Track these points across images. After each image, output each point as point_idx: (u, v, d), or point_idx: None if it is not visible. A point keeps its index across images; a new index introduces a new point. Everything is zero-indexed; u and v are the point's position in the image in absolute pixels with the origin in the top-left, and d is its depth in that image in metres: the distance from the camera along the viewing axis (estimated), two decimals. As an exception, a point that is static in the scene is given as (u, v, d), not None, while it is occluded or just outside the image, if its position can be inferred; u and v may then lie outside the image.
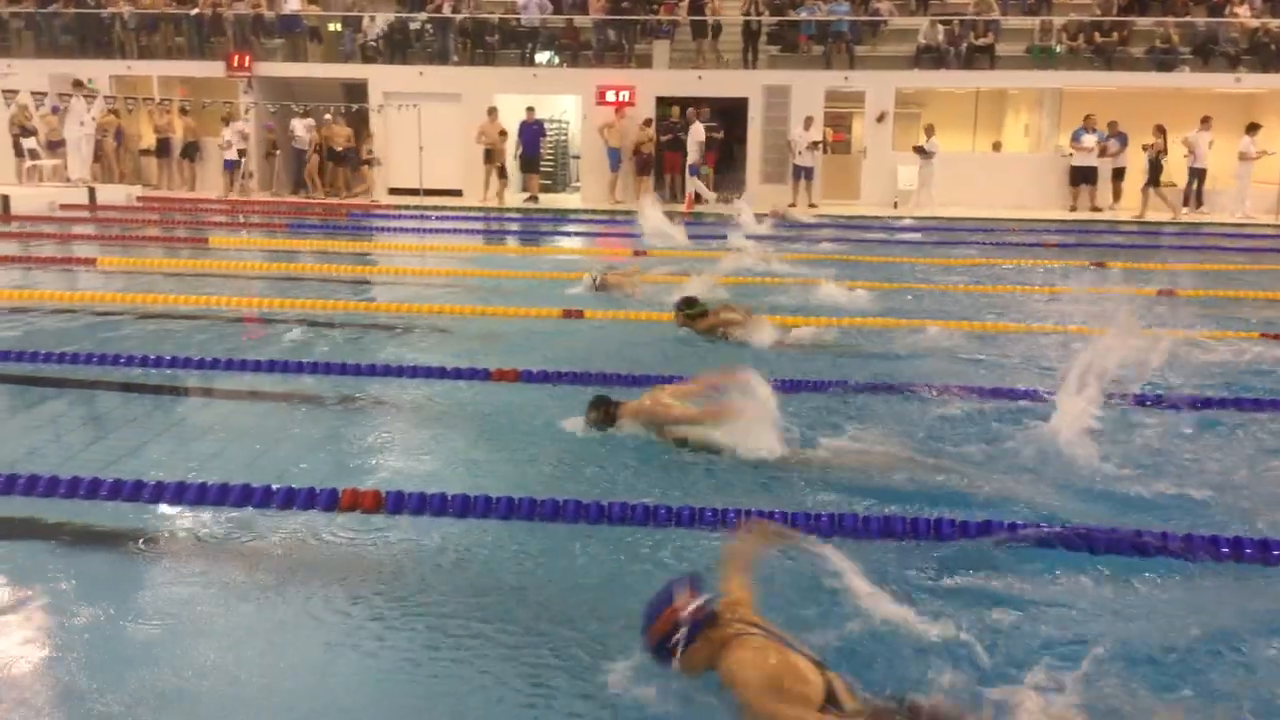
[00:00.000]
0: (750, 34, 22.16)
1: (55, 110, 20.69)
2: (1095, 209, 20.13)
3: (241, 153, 21.77)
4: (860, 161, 21.95)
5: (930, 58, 21.63)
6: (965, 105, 23.69)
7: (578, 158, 24.58)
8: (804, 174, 21.04)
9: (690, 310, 8.31)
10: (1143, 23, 21.96)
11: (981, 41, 21.55)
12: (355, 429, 6.01)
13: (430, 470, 5.25)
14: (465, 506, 4.58)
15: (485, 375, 6.96)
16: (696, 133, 20.91)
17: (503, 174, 21.47)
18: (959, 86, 22.69)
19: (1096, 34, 21.56)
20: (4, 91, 19.95)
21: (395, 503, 4.60)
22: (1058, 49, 21.68)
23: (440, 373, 7.01)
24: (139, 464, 5.18)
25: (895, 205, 20.86)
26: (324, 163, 22.17)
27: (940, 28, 21.82)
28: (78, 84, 20.47)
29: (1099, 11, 22.12)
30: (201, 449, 5.53)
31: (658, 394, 5.65)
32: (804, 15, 22.34)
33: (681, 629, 3.05)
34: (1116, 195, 20.47)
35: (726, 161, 22.28)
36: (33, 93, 20.50)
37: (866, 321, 9.07)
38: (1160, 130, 19.52)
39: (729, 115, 21.90)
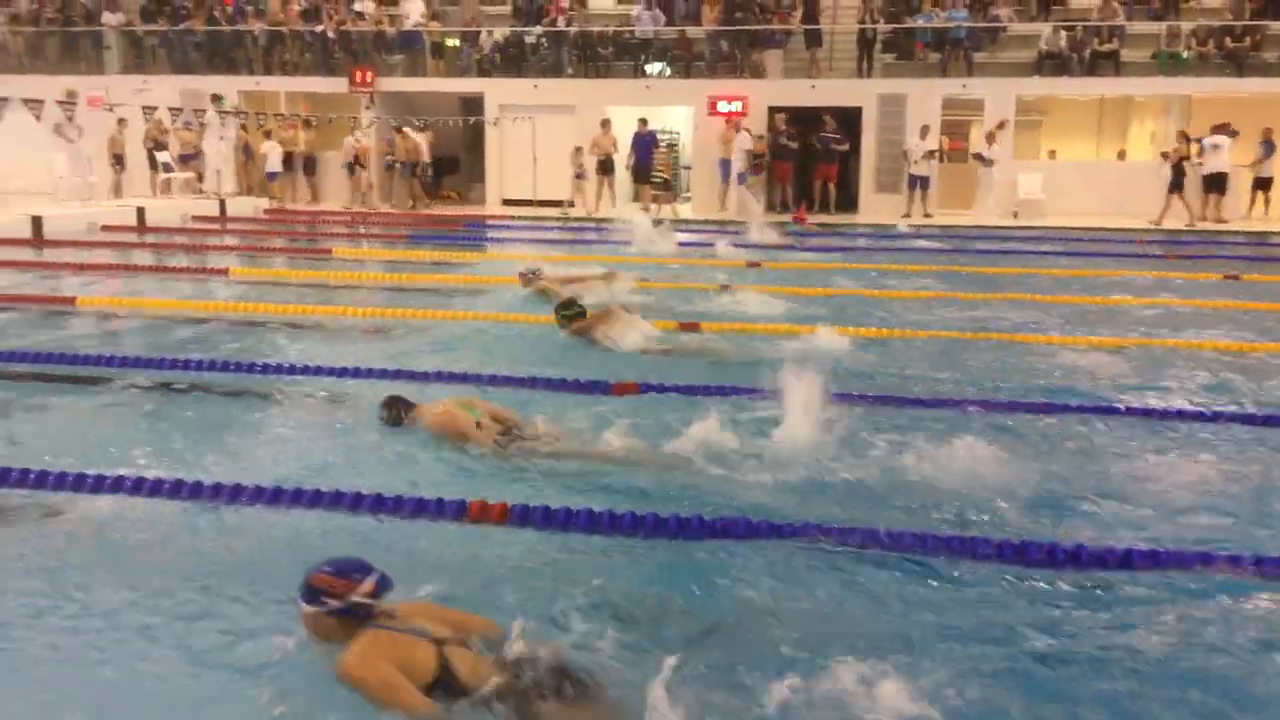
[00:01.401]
0: (865, 42, 21.89)
1: (188, 125, 21.52)
2: (1221, 220, 19.30)
3: (361, 165, 22.33)
4: (978, 170, 21.48)
5: (1052, 64, 21.08)
6: (1089, 113, 23.04)
7: (688, 168, 24.58)
8: (919, 183, 20.70)
9: (566, 313, 8.44)
10: (1276, 27, 21.07)
11: (1106, 48, 20.91)
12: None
13: (557, 483, 5.27)
14: (591, 522, 4.59)
15: (606, 389, 6.98)
16: (743, 141, 20.89)
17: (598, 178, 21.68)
18: (1082, 94, 22.05)
19: (1227, 39, 20.75)
20: (143, 108, 20.80)
21: (521, 516, 4.63)
22: (1186, 55, 20.92)
23: (561, 385, 7.04)
24: (265, 469, 5.31)
25: (1015, 215, 20.37)
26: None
27: (1063, 33, 21.25)
28: (215, 99, 21.24)
29: (1229, 16, 21.30)
30: (321, 456, 5.63)
31: (450, 406, 5.75)
32: (921, 22, 22.00)
33: (336, 601, 3.24)
34: (1252, 204, 19.66)
35: (841, 171, 22.02)
36: (170, 109, 21.35)
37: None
38: (1184, 137, 19.25)
39: (842, 124, 21.65)
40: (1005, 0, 22.52)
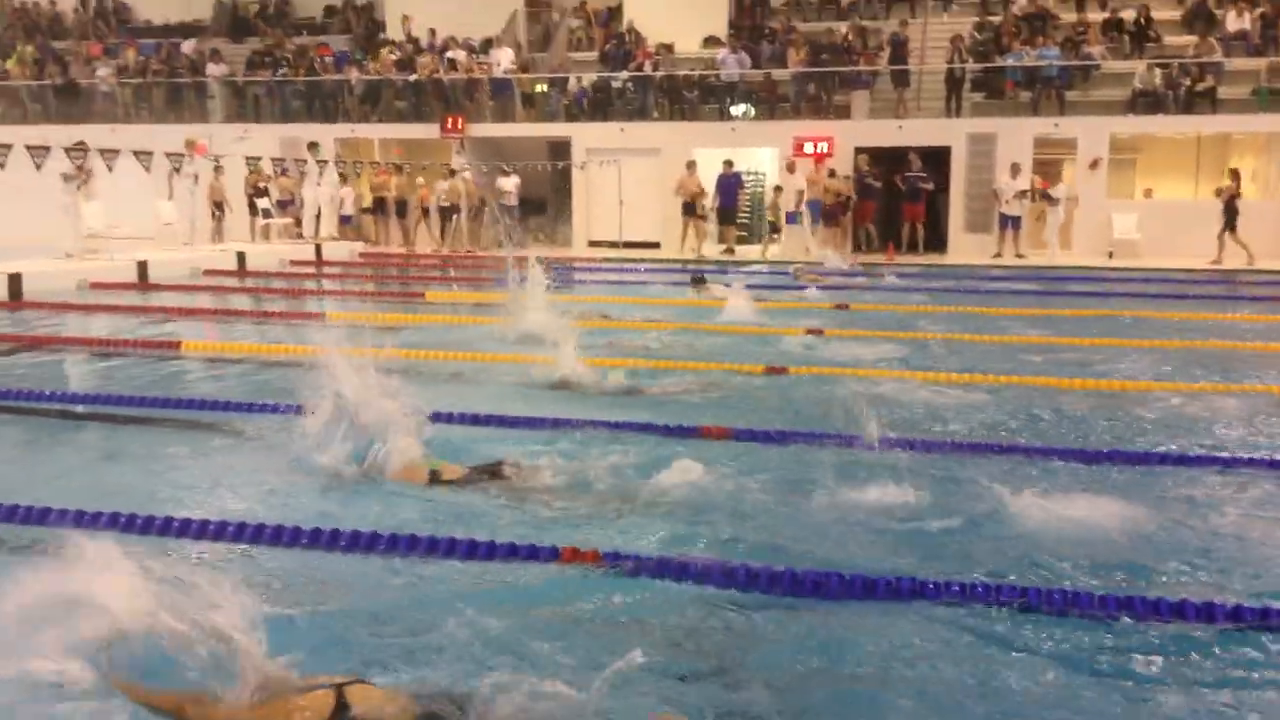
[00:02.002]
0: (954, 81, 21.74)
1: (286, 172, 22.20)
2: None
3: (453, 209, 22.78)
4: (1071, 210, 21.11)
5: (1147, 102, 20.67)
6: (1185, 151, 22.48)
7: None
8: (1010, 223, 20.41)
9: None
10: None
11: (1202, 86, 20.43)
12: (561, 486, 6.01)
13: (642, 529, 5.26)
14: (683, 571, 4.57)
15: (696, 433, 6.97)
16: (798, 182, 21.10)
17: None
18: (1178, 132, 21.55)
19: (1331, 73, 20.18)
20: (247, 158, 21.55)
21: (613, 562, 4.64)
22: (1287, 91, 20.39)
23: (649, 428, 7.05)
24: (365, 514, 5.38)
25: (1110, 255, 19.96)
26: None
27: (1158, 71, 20.84)
28: (312, 146, 21.89)
29: (1333, 50, 20.73)
30: (413, 500, 5.69)
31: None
32: (1011, 61, 21.76)
33: None
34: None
35: (929, 211, 21.82)
36: (273, 159, 22.09)
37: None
38: (1235, 174, 18.82)
39: (930, 164, 21.48)
40: (1097, 38, 22.20)
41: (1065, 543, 5.00)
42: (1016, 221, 20.40)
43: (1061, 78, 21.45)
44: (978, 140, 21.23)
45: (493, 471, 5.91)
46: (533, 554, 4.71)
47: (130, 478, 6.11)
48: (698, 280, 14.34)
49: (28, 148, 13.39)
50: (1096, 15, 23.25)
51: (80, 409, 7.67)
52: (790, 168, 21.65)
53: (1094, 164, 20.69)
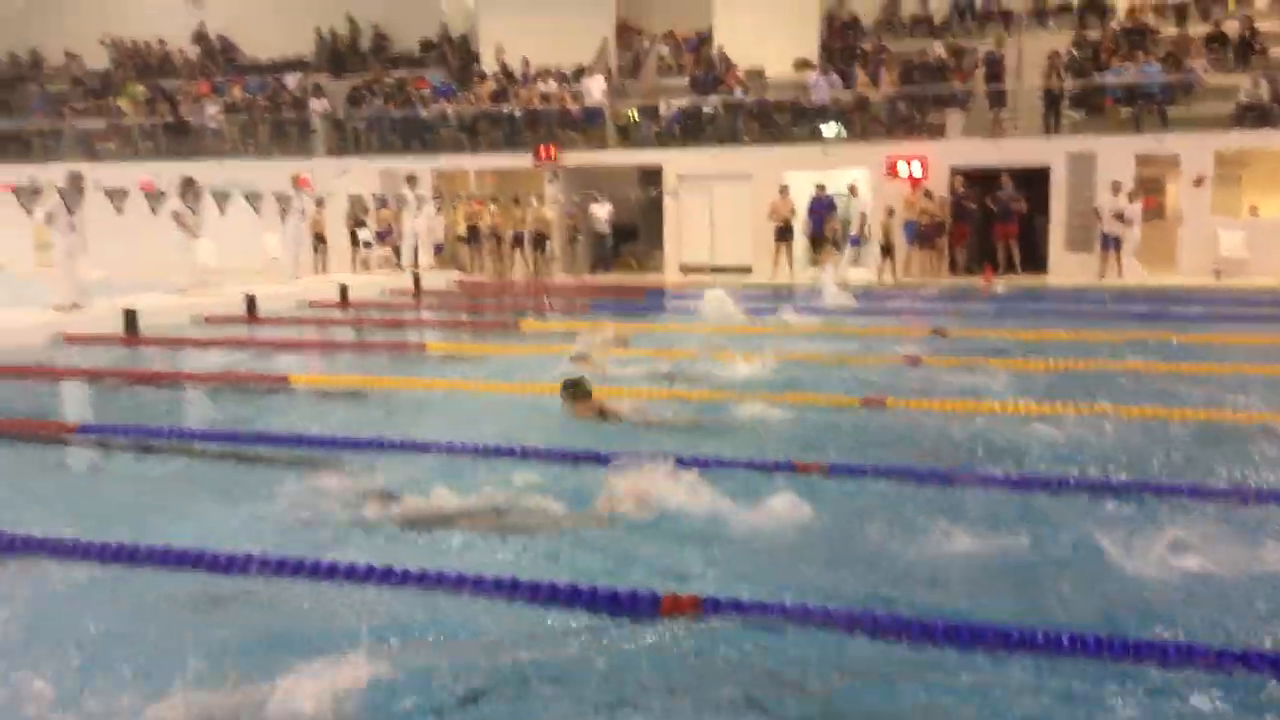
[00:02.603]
0: (1052, 99, 21.37)
1: (385, 204, 22.76)
2: None
3: (544, 237, 23.12)
4: (1176, 228, 20.56)
5: (1253, 116, 20.07)
6: (1296, 166, 21.77)
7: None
8: (1113, 243, 19.96)
9: (572, 390, 8.24)
10: None
11: (1313, 97, 19.79)
12: (651, 525, 6.06)
13: (743, 574, 5.26)
14: (784, 614, 4.58)
15: (790, 468, 6.96)
16: (859, 204, 21.46)
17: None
18: (1286, 146, 20.86)
19: None
20: (350, 196, 22.20)
21: (713, 609, 4.66)
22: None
23: (746, 465, 7.05)
24: (450, 554, 5.49)
25: (1217, 274, 19.38)
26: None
27: (1264, 84, 20.21)
28: (410, 179, 22.42)
29: None
30: (511, 542, 5.78)
31: None
32: (1111, 78, 21.30)
33: None
34: None
35: (1026, 232, 21.46)
36: (373, 195, 22.70)
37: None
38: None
39: (1028, 183, 21.13)
40: (1200, 52, 21.63)
41: (1180, 589, 4.89)
42: (1119, 241, 19.93)
43: (1163, 93, 20.94)
44: (1078, 159, 20.82)
45: None
46: (632, 601, 4.76)
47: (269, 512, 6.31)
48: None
49: (145, 195, 13.92)
50: (1199, 29, 22.68)
51: (197, 445, 7.94)
52: (853, 191, 21.67)
53: (1198, 181, 20.13)
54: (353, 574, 5.09)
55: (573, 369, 9.98)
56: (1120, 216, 19.70)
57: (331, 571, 5.12)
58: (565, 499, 6.22)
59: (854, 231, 21.79)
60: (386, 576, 5.08)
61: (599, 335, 11.25)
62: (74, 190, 13.95)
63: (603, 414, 8.30)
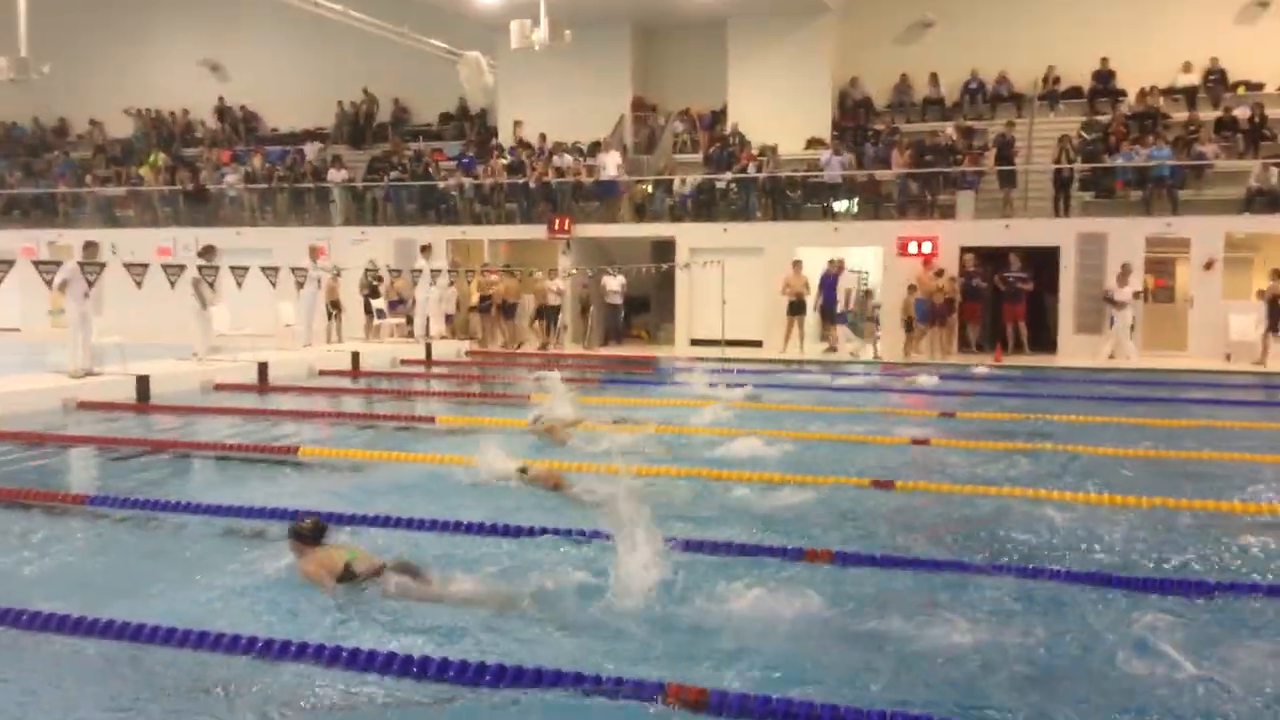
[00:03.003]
0: (1062, 181, 21.57)
1: (399, 273, 22.96)
2: None
3: (556, 308, 23.30)
4: (1186, 311, 20.59)
5: (1263, 201, 20.21)
6: (1308, 249, 21.84)
7: (878, 308, 24.50)
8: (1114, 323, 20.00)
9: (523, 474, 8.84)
10: None
11: (1322, 183, 19.91)
12: (657, 610, 5.97)
13: (747, 666, 5.19)
14: (788, 712, 4.52)
15: (799, 554, 6.89)
16: (846, 280, 21.68)
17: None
18: (1298, 231, 20.96)
19: None
20: (367, 269, 22.43)
21: (719, 702, 4.60)
22: None
23: (755, 550, 6.99)
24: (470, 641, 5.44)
25: (1228, 358, 19.37)
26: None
27: (1274, 170, 20.38)
28: (425, 249, 22.63)
29: None
30: (518, 625, 5.73)
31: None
32: (1120, 161, 21.50)
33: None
34: None
35: (1036, 312, 21.51)
36: (387, 265, 22.93)
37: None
38: (1277, 274, 18.51)
39: (1038, 263, 21.23)
40: (1210, 137, 21.84)
41: (1192, 691, 4.81)
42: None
43: (1174, 177, 21.11)
44: (1088, 240, 20.94)
45: None
46: (637, 690, 4.71)
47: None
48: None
49: (164, 268, 14.09)
50: (1209, 114, 22.93)
51: (198, 519, 7.91)
52: (839, 267, 22.10)
53: (1209, 264, 20.20)
54: (348, 659, 5.06)
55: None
56: (1110, 299, 19.92)
57: (320, 654, 5.06)
58: (565, 578, 6.18)
59: (840, 308, 22.02)
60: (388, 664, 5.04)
61: (559, 408, 11.57)
62: (90, 260, 14.11)
63: (557, 487, 8.66)
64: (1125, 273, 19.85)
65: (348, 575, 5.96)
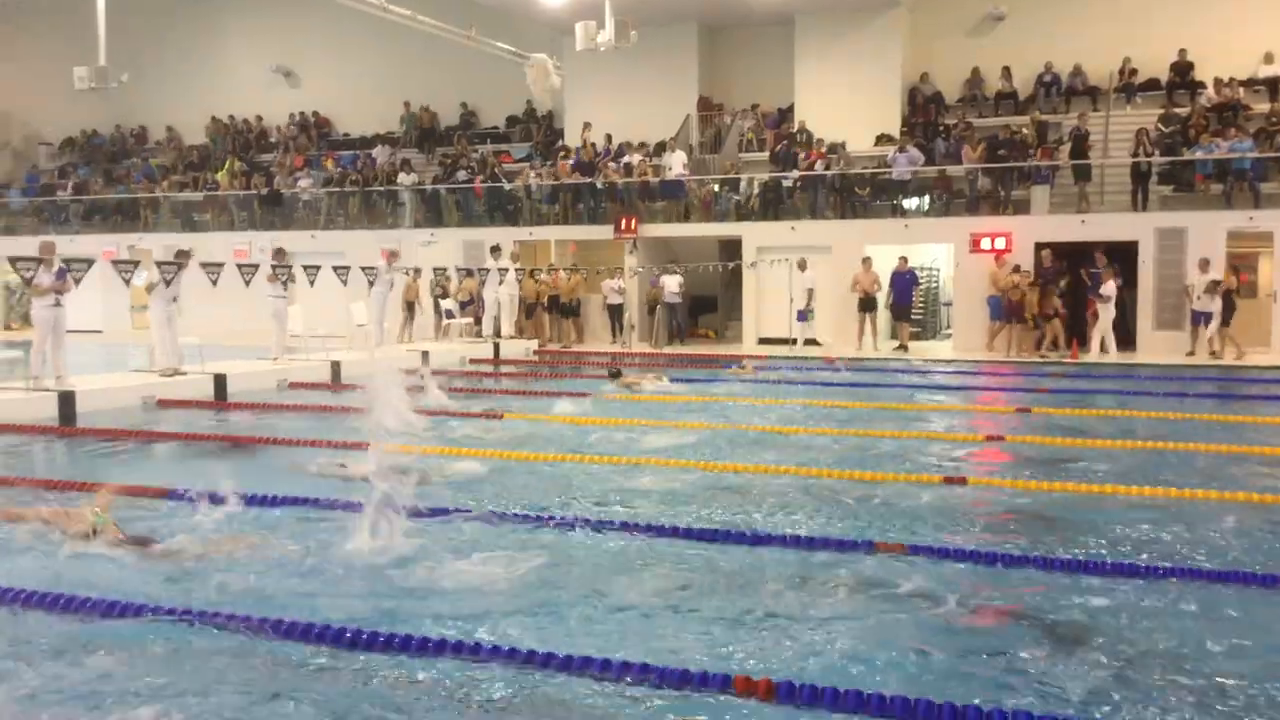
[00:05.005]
0: (1139, 175, 21.06)
1: (468, 274, 23.16)
2: None
3: (621, 307, 23.37)
4: (1269, 306, 20.00)
5: (1351, 192, 19.53)
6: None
7: (949, 305, 24.18)
8: (1204, 320, 19.45)
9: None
10: None
11: None
12: (725, 601, 5.95)
13: (811, 656, 5.13)
14: (859, 704, 4.45)
15: (869, 547, 6.83)
16: (807, 280, 21.58)
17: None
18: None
19: None
20: (434, 269, 22.66)
21: (788, 694, 4.55)
22: None
23: (823, 544, 6.94)
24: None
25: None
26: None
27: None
28: (494, 250, 22.79)
29: None
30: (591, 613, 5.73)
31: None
32: (1200, 154, 20.94)
33: None
34: None
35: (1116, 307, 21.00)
36: (456, 266, 23.17)
37: None
38: (1234, 269, 18.34)
39: (1115, 260, 20.72)
40: (1293, 128, 21.19)
41: None
42: (1209, 318, 19.42)
43: (1255, 170, 20.51)
44: (1167, 234, 20.42)
45: None
46: (704, 681, 4.68)
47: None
48: (614, 374, 15.55)
49: (238, 266, 14.38)
50: (1292, 104, 22.25)
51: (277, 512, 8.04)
52: (801, 265, 21.69)
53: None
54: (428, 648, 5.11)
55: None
56: (1098, 296, 19.82)
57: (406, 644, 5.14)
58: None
59: (801, 306, 21.83)
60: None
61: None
62: (180, 265, 14.51)
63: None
64: (1205, 267, 19.39)
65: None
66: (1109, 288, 19.60)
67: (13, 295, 28.75)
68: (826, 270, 22.33)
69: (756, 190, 24.15)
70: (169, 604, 5.60)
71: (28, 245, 20.65)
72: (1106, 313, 19.69)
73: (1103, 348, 19.74)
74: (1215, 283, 19.33)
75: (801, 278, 21.90)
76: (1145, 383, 16.17)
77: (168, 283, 14.10)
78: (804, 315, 21.98)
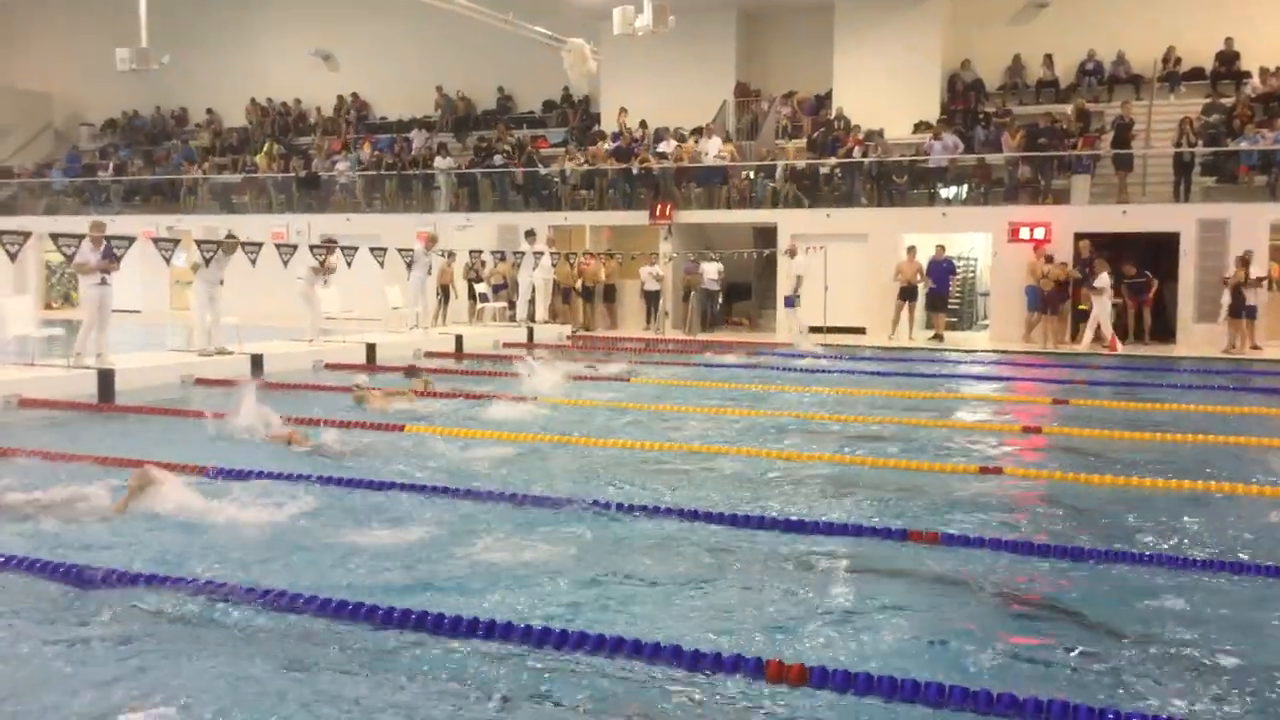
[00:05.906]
0: (1182, 165, 20.76)
1: (502, 258, 23.22)
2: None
3: (657, 293, 23.34)
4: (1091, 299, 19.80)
5: (1398, 185, 19.16)
6: None
7: (986, 295, 23.99)
8: (1246, 312, 19.17)
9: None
10: None
11: None
12: (761, 587, 5.95)
13: (846, 641, 5.12)
14: (892, 689, 4.42)
15: (902, 535, 6.80)
16: (797, 266, 21.33)
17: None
18: None
19: None
20: (470, 252, 22.74)
21: (820, 678, 4.53)
22: None
23: (856, 530, 6.91)
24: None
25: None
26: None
27: None
28: (528, 235, 22.83)
29: None
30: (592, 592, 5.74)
31: None
32: (1244, 145, 20.61)
33: None
34: None
35: (1155, 301, 20.76)
36: (491, 251, 23.24)
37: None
38: (1244, 262, 18.40)
39: (1155, 251, 20.47)
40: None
41: None
42: (1252, 310, 19.14)
43: (1301, 161, 20.19)
44: (1209, 226, 20.12)
45: None
46: (735, 665, 4.67)
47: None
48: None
49: (276, 246, 14.51)
50: (1340, 95, 21.86)
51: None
52: (791, 252, 21.56)
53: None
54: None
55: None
56: (1091, 288, 19.74)
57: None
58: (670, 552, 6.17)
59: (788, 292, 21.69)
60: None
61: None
62: (224, 248, 14.68)
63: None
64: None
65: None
66: (1102, 280, 19.40)
67: (54, 274, 29.15)
68: (861, 259, 22.20)
69: (790, 174, 23.98)
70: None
71: (69, 224, 20.92)
72: (1100, 305, 19.50)
73: (1097, 337, 19.51)
74: (1259, 279, 19.06)
75: (791, 264, 21.78)
76: (1185, 375, 15.97)
77: (207, 262, 14.24)
78: (791, 302, 21.88)
